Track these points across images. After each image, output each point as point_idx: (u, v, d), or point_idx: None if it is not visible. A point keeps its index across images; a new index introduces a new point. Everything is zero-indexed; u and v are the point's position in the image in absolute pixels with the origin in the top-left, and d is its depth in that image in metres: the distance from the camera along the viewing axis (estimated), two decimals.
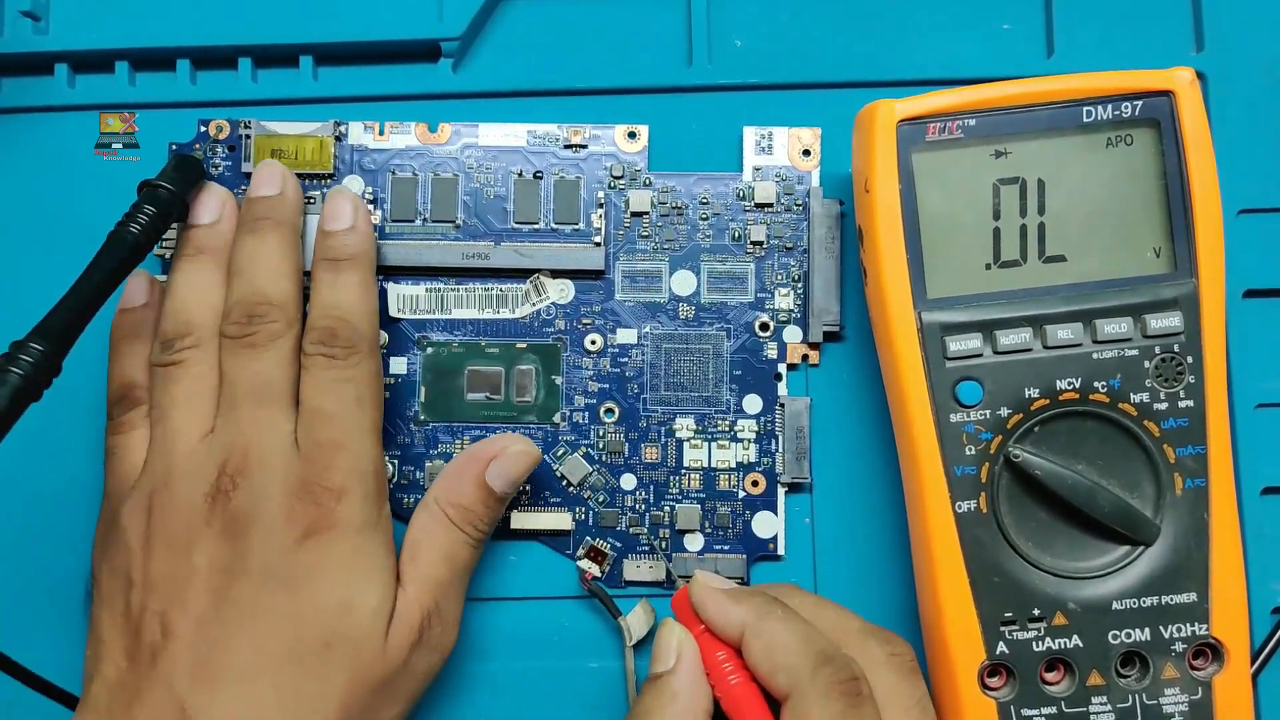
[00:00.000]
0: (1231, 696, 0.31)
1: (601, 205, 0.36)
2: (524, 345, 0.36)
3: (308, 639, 0.29)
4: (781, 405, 0.35)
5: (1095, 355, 0.31)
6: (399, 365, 0.36)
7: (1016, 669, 0.31)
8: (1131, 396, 0.31)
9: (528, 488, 0.35)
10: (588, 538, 0.35)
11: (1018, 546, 0.31)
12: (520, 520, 0.35)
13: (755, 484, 0.35)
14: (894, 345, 0.31)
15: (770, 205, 0.36)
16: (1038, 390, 0.31)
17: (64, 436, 0.36)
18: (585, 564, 0.35)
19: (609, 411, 0.35)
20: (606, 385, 0.36)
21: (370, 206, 0.36)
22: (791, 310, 0.36)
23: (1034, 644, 0.31)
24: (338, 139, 0.36)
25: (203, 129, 0.36)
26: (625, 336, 0.36)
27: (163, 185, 0.33)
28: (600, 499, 0.35)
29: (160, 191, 0.33)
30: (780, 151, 0.36)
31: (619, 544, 0.35)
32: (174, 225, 0.36)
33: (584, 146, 0.36)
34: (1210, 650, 0.31)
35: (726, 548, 0.35)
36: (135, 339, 0.33)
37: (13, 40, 0.37)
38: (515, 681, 0.35)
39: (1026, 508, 0.31)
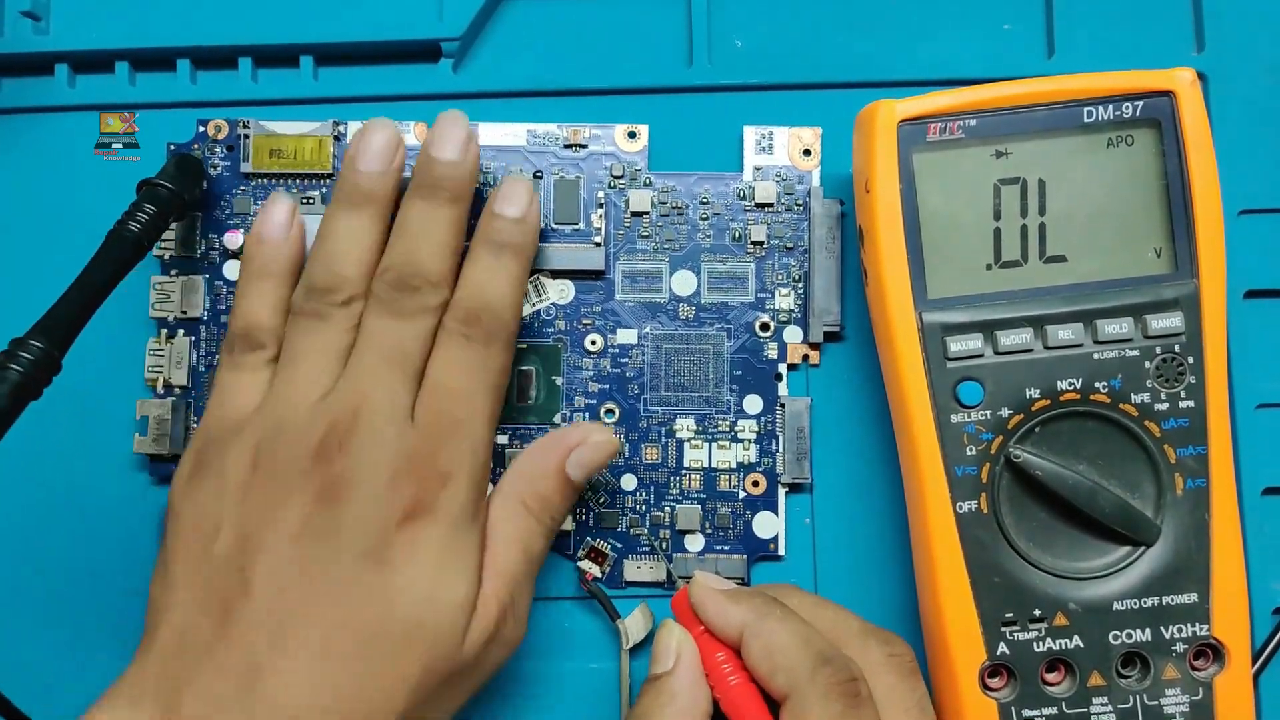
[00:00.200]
0: (1232, 697, 0.31)
1: (601, 205, 0.36)
2: (524, 346, 0.36)
3: (390, 624, 0.28)
4: (782, 405, 0.35)
5: (1096, 356, 0.31)
6: None
7: (1017, 669, 0.31)
8: (1132, 397, 0.31)
9: None
10: (588, 538, 0.35)
11: (1018, 547, 0.31)
12: None
13: (756, 484, 0.35)
14: (895, 345, 0.31)
15: (771, 205, 0.36)
16: (1038, 391, 0.31)
17: (61, 434, 0.36)
18: (585, 565, 0.35)
19: (609, 412, 0.35)
20: (607, 386, 0.36)
21: None
22: (792, 310, 0.36)
23: (1035, 644, 0.31)
24: (337, 139, 0.36)
25: (201, 129, 0.36)
26: (625, 337, 0.36)
27: (162, 184, 0.33)
28: (600, 499, 0.35)
29: (160, 190, 0.33)
30: (781, 151, 0.36)
31: (619, 544, 0.35)
32: (172, 225, 0.36)
33: (584, 146, 0.36)
34: (1211, 651, 0.31)
35: (727, 548, 0.35)
36: (269, 277, 0.32)
37: (13, 40, 0.37)
38: (514, 682, 0.35)
39: (1027, 508, 0.31)
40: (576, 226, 0.36)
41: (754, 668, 0.29)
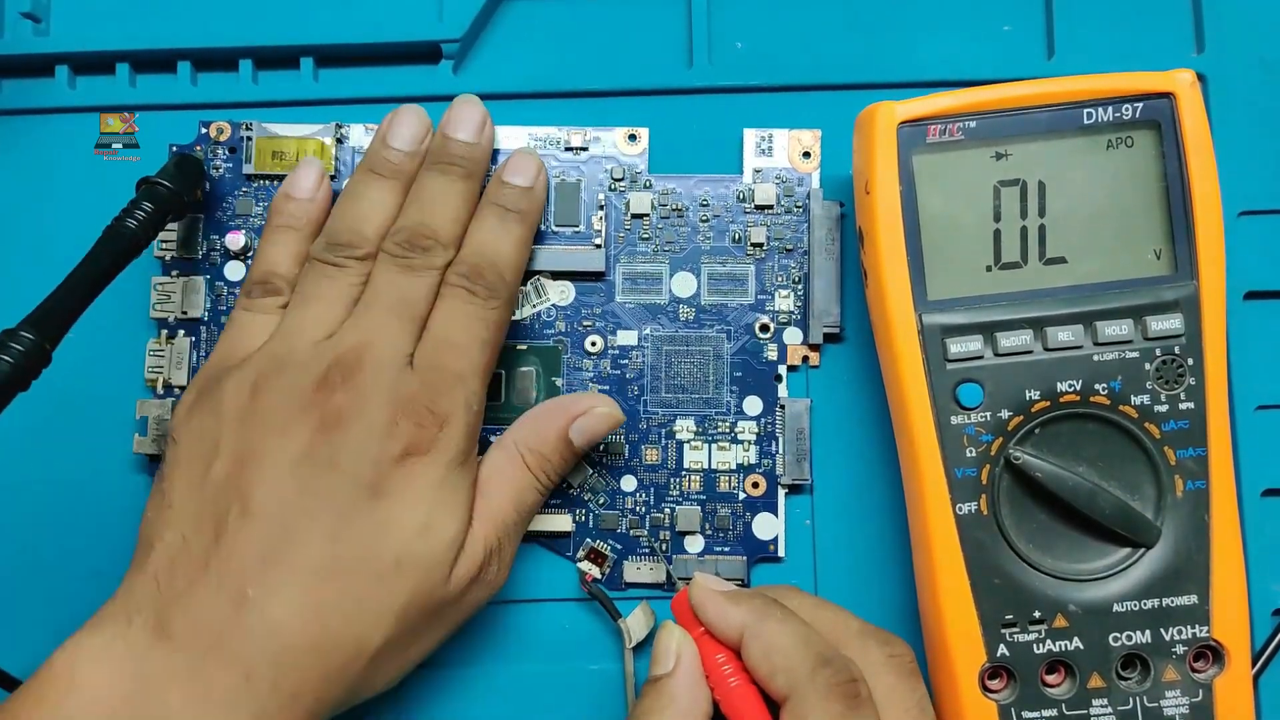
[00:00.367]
0: (1232, 699, 0.31)
1: (602, 207, 0.36)
2: (524, 347, 0.36)
3: (382, 552, 0.29)
4: (782, 407, 0.35)
5: (1096, 357, 0.31)
6: None
7: (1017, 671, 0.31)
8: (1132, 399, 0.31)
9: None
10: (588, 539, 0.35)
11: (1018, 548, 0.31)
12: None
13: (755, 485, 0.35)
14: (894, 347, 0.31)
15: (770, 207, 0.36)
16: (1038, 392, 0.31)
17: (52, 428, 0.36)
18: (585, 566, 0.35)
19: None
20: (607, 387, 0.36)
21: None
22: (792, 312, 0.36)
23: (1035, 646, 0.31)
24: (339, 141, 0.36)
25: (203, 130, 0.36)
26: (626, 338, 0.36)
27: (162, 182, 0.33)
28: (600, 501, 0.35)
29: (159, 188, 0.33)
30: (780, 153, 0.36)
31: (619, 546, 0.35)
32: (172, 225, 0.36)
33: (584, 149, 0.36)
34: (1211, 652, 0.31)
35: (727, 549, 0.35)
36: (292, 229, 0.34)
37: (13, 42, 0.37)
38: (515, 683, 0.35)
39: (1027, 510, 0.31)
40: (577, 229, 0.36)
41: (754, 669, 0.29)
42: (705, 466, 0.35)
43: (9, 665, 0.33)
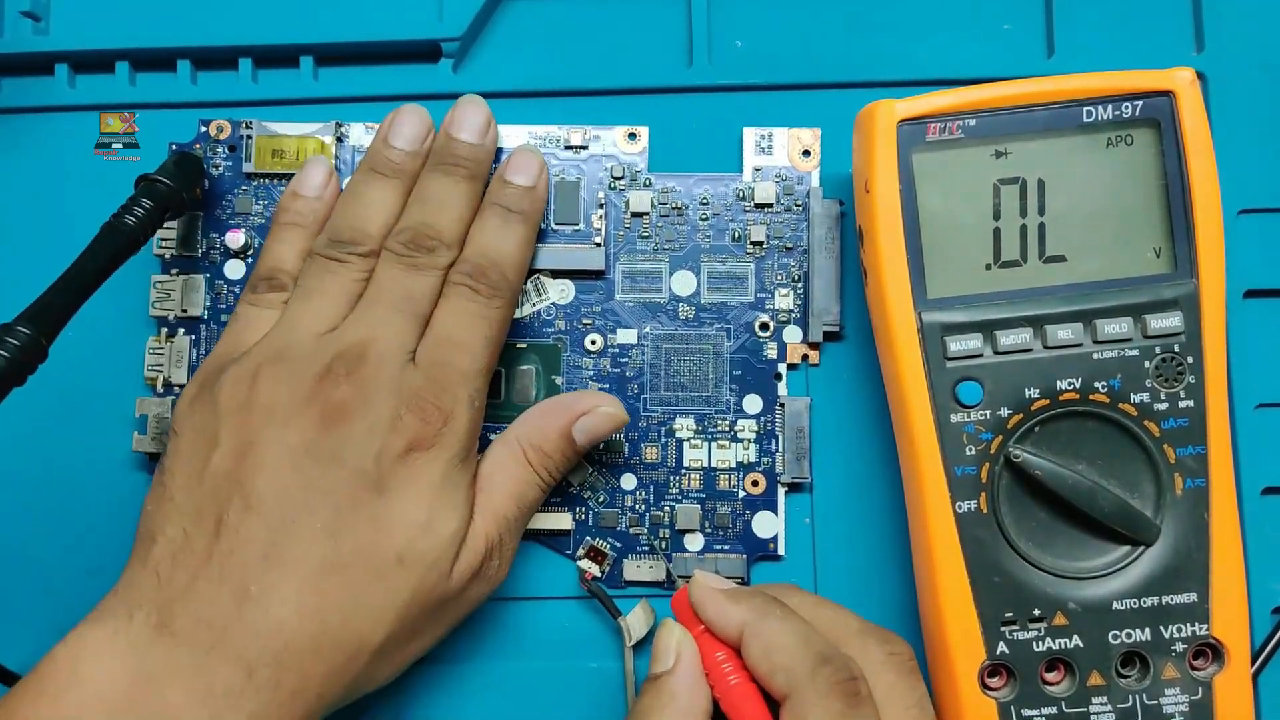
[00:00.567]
0: (1232, 697, 0.31)
1: (602, 206, 0.36)
2: (524, 345, 0.36)
3: (383, 548, 0.29)
4: (781, 405, 0.35)
5: (1095, 355, 0.31)
6: None
7: (1017, 669, 0.31)
8: (1132, 397, 0.31)
9: None
10: (587, 538, 0.35)
11: (1018, 547, 0.31)
12: None
13: (755, 484, 0.35)
14: (894, 345, 0.31)
15: (770, 206, 0.36)
16: (1038, 390, 0.31)
17: (49, 422, 0.36)
18: (585, 564, 0.35)
19: None
20: (607, 385, 0.36)
21: None
22: (791, 310, 0.36)
23: (1034, 644, 0.31)
24: (338, 140, 0.36)
25: (203, 129, 0.36)
26: (625, 337, 0.36)
27: (161, 180, 0.33)
28: (600, 499, 0.35)
29: (158, 186, 0.33)
30: (780, 152, 0.36)
31: (619, 544, 0.35)
32: (171, 223, 0.36)
33: (584, 148, 0.36)
34: (1210, 650, 0.31)
35: (726, 548, 0.35)
36: (298, 226, 0.34)
37: (13, 40, 0.37)
38: (514, 681, 0.35)
39: (1027, 508, 0.31)
40: (577, 227, 0.36)
41: (754, 667, 0.29)
42: (705, 465, 0.35)
43: (8, 663, 0.33)
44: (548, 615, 0.35)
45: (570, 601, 0.35)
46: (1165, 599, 0.31)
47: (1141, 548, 0.31)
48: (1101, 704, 0.30)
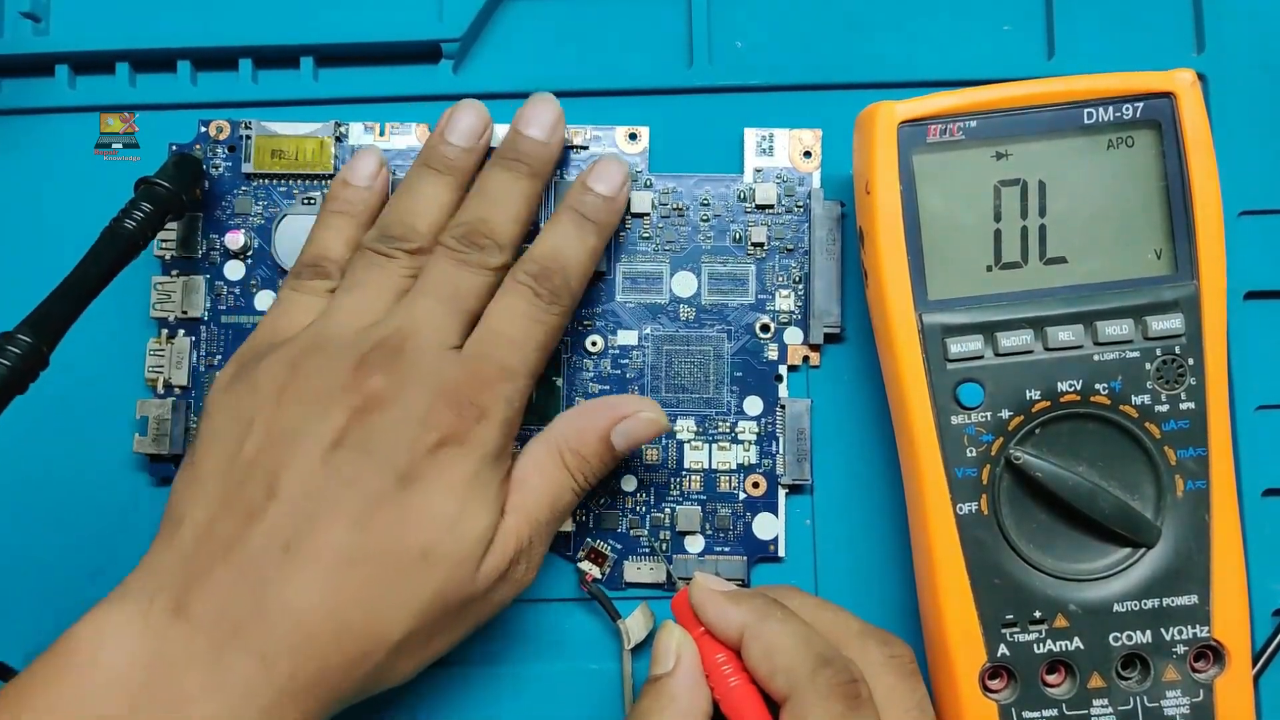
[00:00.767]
0: (1233, 699, 0.31)
1: None
2: None
3: (409, 542, 0.29)
4: (782, 407, 0.35)
5: (1096, 357, 0.31)
6: None
7: (1017, 671, 0.31)
8: (1132, 398, 0.31)
9: None
10: (588, 539, 0.35)
11: (1019, 548, 0.31)
12: None
13: (756, 485, 0.35)
14: (895, 347, 0.31)
15: (771, 207, 0.36)
16: (1039, 392, 0.31)
17: (49, 430, 0.36)
18: (585, 566, 0.35)
19: None
20: (607, 387, 0.36)
21: None
22: (792, 312, 0.36)
23: (1035, 646, 0.31)
24: (338, 140, 0.36)
25: (203, 129, 0.36)
26: (626, 338, 0.36)
27: (160, 183, 0.33)
28: (600, 500, 0.35)
29: (158, 189, 0.33)
30: (781, 153, 0.36)
31: (619, 546, 0.35)
32: (171, 224, 0.36)
33: (585, 148, 0.36)
34: (1211, 652, 0.31)
35: (727, 549, 0.35)
36: (347, 215, 0.34)
37: (13, 41, 0.37)
38: (513, 682, 0.35)
39: (1027, 510, 0.31)
40: None
41: (754, 669, 0.29)
42: (705, 466, 0.35)
43: (8, 662, 0.33)
44: (547, 617, 0.35)
45: (570, 603, 0.35)
46: (1166, 601, 0.31)
47: (1142, 550, 0.31)
48: (1102, 706, 0.30)
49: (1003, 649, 0.31)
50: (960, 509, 0.31)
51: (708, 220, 0.36)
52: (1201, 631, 0.31)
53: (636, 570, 0.35)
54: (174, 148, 0.36)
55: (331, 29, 0.37)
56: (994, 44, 0.37)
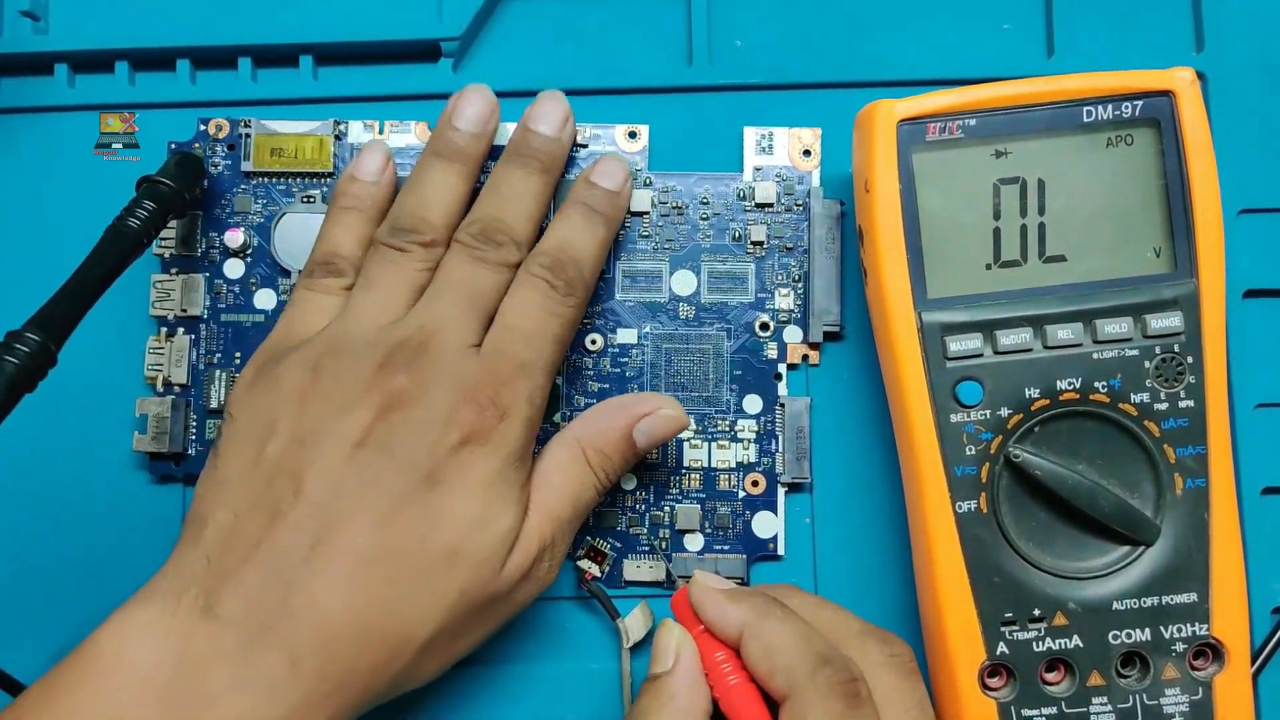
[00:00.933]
0: (1232, 697, 0.31)
1: None
2: None
3: (434, 543, 0.29)
4: (782, 405, 0.35)
5: (1095, 355, 0.31)
6: None
7: (1017, 669, 0.31)
8: (1132, 396, 0.31)
9: None
10: (587, 537, 0.35)
11: (1018, 547, 0.31)
12: None
13: (755, 484, 0.35)
14: (894, 345, 0.31)
15: (771, 205, 0.36)
16: (1038, 390, 0.31)
17: (54, 429, 0.36)
18: (585, 564, 0.35)
19: None
20: (607, 385, 0.36)
21: None
22: (792, 310, 0.36)
23: (1034, 644, 0.31)
24: (337, 138, 0.36)
25: (202, 128, 0.36)
26: (625, 336, 0.36)
27: (162, 181, 0.33)
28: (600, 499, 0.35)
29: (160, 187, 0.33)
30: (781, 151, 0.36)
31: (619, 544, 0.35)
32: (172, 222, 0.36)
33: (584, 146, 0.36)
34: (1211, 650, 0.31)
35: (726, 548, 0.35)
36: (356, 211, 0.34)
37: (13, 40, 0.37)
38: (512, 681, 0.35)
39: (1027, 508, 0.31)
40: None
41: (754, 667, 0.29)
42: (705, 465, 0.35)
43: (8, 663, 0.33)
44: (547, 615, 0.35)
45: (569, 602, 0.35)
46: (1165, 599, 0.31)
47: (1141, 548, 0.31)
48: (1101, 704, 0.30)
49: (1002, 647, 0.31)
50: (959, 507, 0.31)
51: (707, 219, 0.36)
52: (1201, 629, 0.31)
53: (636, 569, 0.35)
54: (173, 146, 0.36)
55: (331, 28, 0.37)
56: (994, 43, 0.37)
